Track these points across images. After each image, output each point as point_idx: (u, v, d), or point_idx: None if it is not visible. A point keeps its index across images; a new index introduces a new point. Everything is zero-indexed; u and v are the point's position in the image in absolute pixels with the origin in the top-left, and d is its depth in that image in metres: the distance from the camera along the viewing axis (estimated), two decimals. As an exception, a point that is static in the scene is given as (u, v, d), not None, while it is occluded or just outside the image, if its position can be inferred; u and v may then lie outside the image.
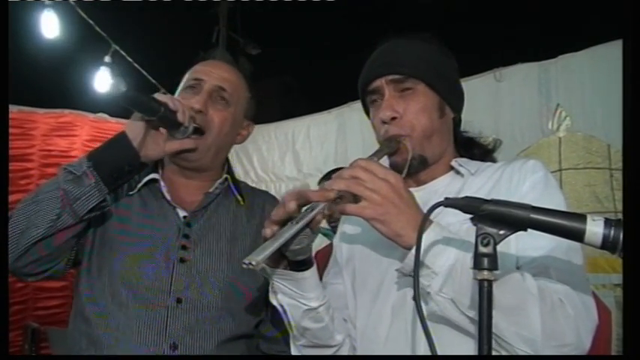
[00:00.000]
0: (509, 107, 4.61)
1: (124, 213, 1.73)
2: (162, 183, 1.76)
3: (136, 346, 1.58)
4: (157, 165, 1.81)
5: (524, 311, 1.16)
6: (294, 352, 1.54)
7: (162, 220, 1.73)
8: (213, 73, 1.79)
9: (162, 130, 1.62)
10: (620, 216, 1.02)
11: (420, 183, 1.57)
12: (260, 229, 1.77)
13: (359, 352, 1.51)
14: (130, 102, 1.50)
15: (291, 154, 6.31)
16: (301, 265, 1.39)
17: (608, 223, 0.99)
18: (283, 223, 1.28)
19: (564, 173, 4.24)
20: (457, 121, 1.62)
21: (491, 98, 4.66)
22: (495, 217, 1.05)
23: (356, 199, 1.27)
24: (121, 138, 1.59)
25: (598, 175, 4.12)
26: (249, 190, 1.96)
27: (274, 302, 1.46)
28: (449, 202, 1.11)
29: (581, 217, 1.01)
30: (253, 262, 1.16)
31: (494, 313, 1.12)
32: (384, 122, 1.51)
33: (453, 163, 1.54)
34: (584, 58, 4.34)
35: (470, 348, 1.27)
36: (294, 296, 1.42)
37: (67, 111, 5.92)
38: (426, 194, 1.52)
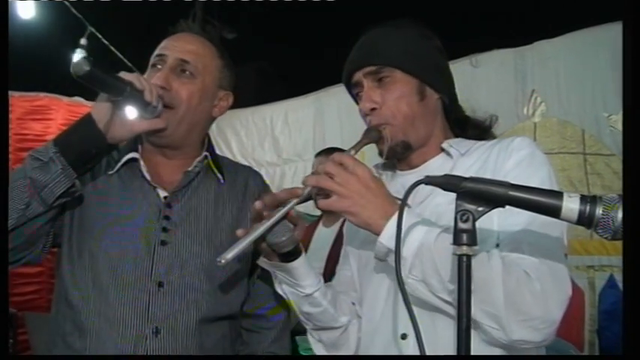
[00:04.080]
0: (485, 93, 4.64)
1: (102, 194, 1.70)
2: (141, 162, 1.72)
3: (119, 331, 1.58)
4: (136, 142, 1.76)
5: (487, 288, 1.20)
6: (309, 336, 1.67)
7: (142, 200, 1.70)
8: (175, 47, 1.73)
9: (129, 110, 1.58)
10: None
11: (412, 166, 1.62)
12: (242, 206, 1.82)
13: (362, 333, 1.60)
14: (94, 81, 1.45)
15: (270, 140, 6.30)
16: (289, 256, 1.49)
17: (584, 199, 1.02)
18: (257, 221, 1.41)
19: (539, 158, 4.29)
20: (449, 101, 1.64)
21: (467, 84, 4.68)
22: (474, 194, 1.08)
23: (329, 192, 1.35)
24: (87, 120, 1.54)
25: (572, 160, 4.18)
26: (231, 166, 1.93)
27: (280, 292, 1.59)
28: (429, 180, 1.14)
29: (558, 194, 1.04)
30: (222, 261, 1.30)
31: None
32: (365, 114, 1.56)
33: (444, 144, 1.57)
34: (559, 44, 4.39)
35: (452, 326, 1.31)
36: (291, 284, 1.54)
37: (42, 94, 5.85)
38: (418, 176, 1.53)
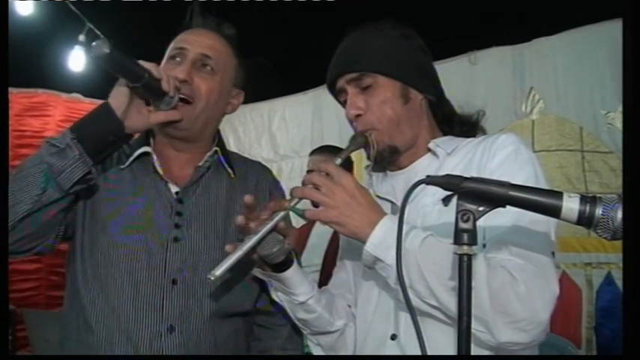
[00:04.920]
0: (484, 90, 4.64)
1: (114, 188, 1.69)
2: (154, 157, 1.72)
3: (133, 329, 1.58)
4: (148, 137, 1.76)
5: (473, 292, 1.21)
6: (308, 340, 1.70)
7: (155, 196, 1.70)
8: (196, 41, 1.74)
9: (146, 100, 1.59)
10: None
11: (401, 167, 1.62)
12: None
13: (357, 334, 1.62)
14: (114, 64, 1.46)
15: (267, 136, 6.29)
16: (281, 267, 1.51)
17: (583, 199, 1.03)
18: (244, 235, 1.43)
19: (537, 155, 4.29)
20: (437, 98, 1.64)
21: (466, 81, 4.69)
22: (475, 194, 1.09)
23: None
24: (104, 108, 1.54)
25: (570, 157, 4.18)
26: (241, 162, 1.93)
27: (276, 299, 1.61)
28: (430, 180, 1.14)
29: (558, 194, 1.06)
30: (212, 278, 1.34)
31: (446, 297, 1.23)
32: (351, 120, 1.57)
33: (430, 144, 1.58)
34: (557, 42, 4.38)
35: (446, 332, 1.33)
36: (285, 292, 1.56)
37: (40, 91, 5.84)
38: (407, 177, 1.59)
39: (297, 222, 1.90)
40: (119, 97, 1.55)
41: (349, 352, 1.62)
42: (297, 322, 1.62)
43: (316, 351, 1.66)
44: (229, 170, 1.83)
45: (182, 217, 1.69)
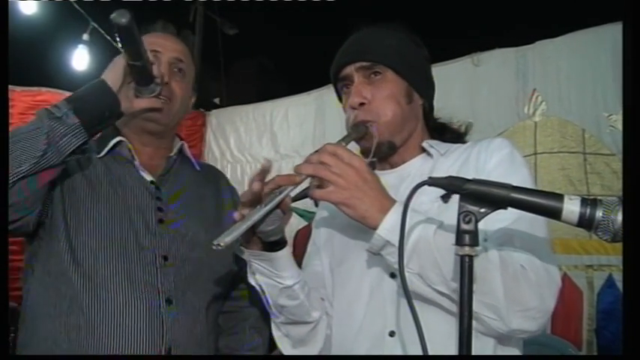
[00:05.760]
0: (487, 91, 4.65)
1: (90, 175, 1.73)
2: (129, 146, 1.79)
3: (132, 302, 1.62)
4: (117, 130, 1.82)
5: (487, 281, 1.22)
6: (274, 330, 1.61)
7: (132, 183, 1.77)
8: (167, 46, 1.82)
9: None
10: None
11: (393, 165, 1.63)
12: (217, 196, 1.95)
13: (335, 329, 1.58)
14: (127, 35, 1.50)
15: (268, 135, 6.28)
16: (275, 246, 1.46)
17: (584, 202, 1.04)
18: (253, 205, 1.35)
19: (539, 157, 4.30)
20: (429, 108, 1.66)
21: (469, 82, 4.71)
22: (477, 196, 1.09)
23: (323, 183, 1.32)
24: (101, 84, 1.58)
25: (572, 159, 4.18)
26: (196, 158, 2.03)
27: (252, 282, 1.53)
28: (433, 182, 1.15)
29: (559, 197, 1.06)
30: (222, 244, 1.25)
31: (456, 285, 1.18)
32: (353, 108, 1.56)
33: (424, 144, 1.59)
34: (560, 44, 4.39)
35: (447, 321, 1.33)
36: (270, 275, 1.48)
37: (44, 89, 5.85)
38: (400, 176, 1.59)
39: (299, 223, 1.91)
40: (115, 74, 1.59)
41: (318, 348, 1.58)
42: (272, 309, 1.55)
43: (282, 343, 1.61)
44: (194, 161, 1.96)
45: (162, 202, 1.78)
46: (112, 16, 1.45)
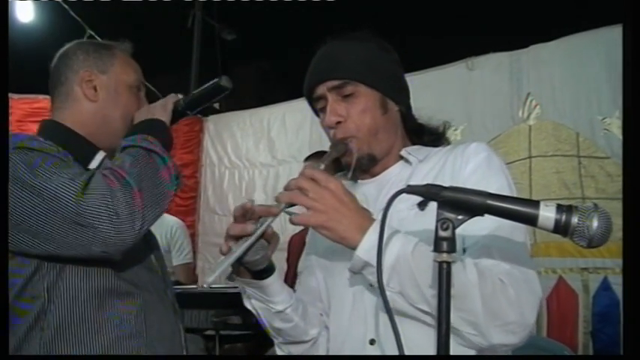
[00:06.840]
0: (481, 95, 4.68)
1: None
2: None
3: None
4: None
5: (466, 298, 1.24)
6: (277, 350, 1.66)
7: None
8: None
9: None
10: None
11: (373, 175, 1.64)
12: None
13: (331, 340, 1.60)
14: (218, 97, 1.72)
15: (265, 141, 6.31)
16: (262, 274, 1.49)
17: (560, 208, 1.06)
18: (237, 238, 1.39)
19: (534, 160, 4.32)
20: (406, 111, 1.66)
21: (463, 86, 4.73)
22: (454, 203, 1.10)
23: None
24: (162, 125, 1.69)
25: (566, 163, 4.20)
26: None
27: (249, 306, 1.57)
28: (411, 190, 1.16)
29: (535, 203, 1.08)
30: (205, 285, 1.30)
31: (436, 302, 1.19)
32: (330, 127, 1.57)
33: (403, 152, 1.60)
34: (555, 48, 4.41)
35: (425, 333, 1.34)
36: (262, 300, 1.53)
37: (41, 96, 5.84)
38: (379, 184, 1.60)
39: (293, 229, 1.92)
40: (166, 116, 1.71)
41: None
42: (271, 331, 1.60)
43: None
44: None
45: None
46: (223, 82, 1.68)
